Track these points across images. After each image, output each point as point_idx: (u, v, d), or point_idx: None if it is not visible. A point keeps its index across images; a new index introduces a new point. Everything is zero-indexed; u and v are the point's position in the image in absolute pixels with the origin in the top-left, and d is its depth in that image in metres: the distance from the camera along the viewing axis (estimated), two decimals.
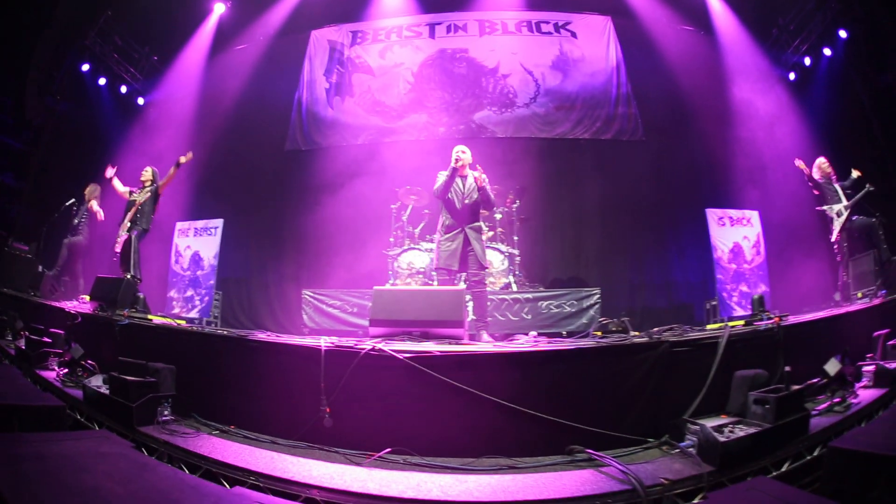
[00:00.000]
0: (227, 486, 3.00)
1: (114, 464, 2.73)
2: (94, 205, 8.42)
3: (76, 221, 8.49)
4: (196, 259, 9.54)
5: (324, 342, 3.75)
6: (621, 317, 5.74)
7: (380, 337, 4.16)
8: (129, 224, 7.07)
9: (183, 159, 7.25)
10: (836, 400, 3.62)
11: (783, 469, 2.91)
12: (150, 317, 5.95)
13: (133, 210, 7.13)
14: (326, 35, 11.11)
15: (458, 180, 5.58)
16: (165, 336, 4.98)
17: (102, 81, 11.24)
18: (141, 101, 12.01)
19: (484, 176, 5.53)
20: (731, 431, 3.01)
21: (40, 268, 8.69)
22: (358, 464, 3.21)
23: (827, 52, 8.96)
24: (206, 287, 9.32)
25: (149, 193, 7.29)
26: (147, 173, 7.48)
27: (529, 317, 7.44)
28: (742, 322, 4.63)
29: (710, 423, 3.10)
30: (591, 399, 3.54)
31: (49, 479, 2.28)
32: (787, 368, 3.49)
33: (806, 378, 3.74)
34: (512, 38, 10.30)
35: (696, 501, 2.57)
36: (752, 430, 3.01)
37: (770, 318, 4.24)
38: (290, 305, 9.39)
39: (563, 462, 3.19)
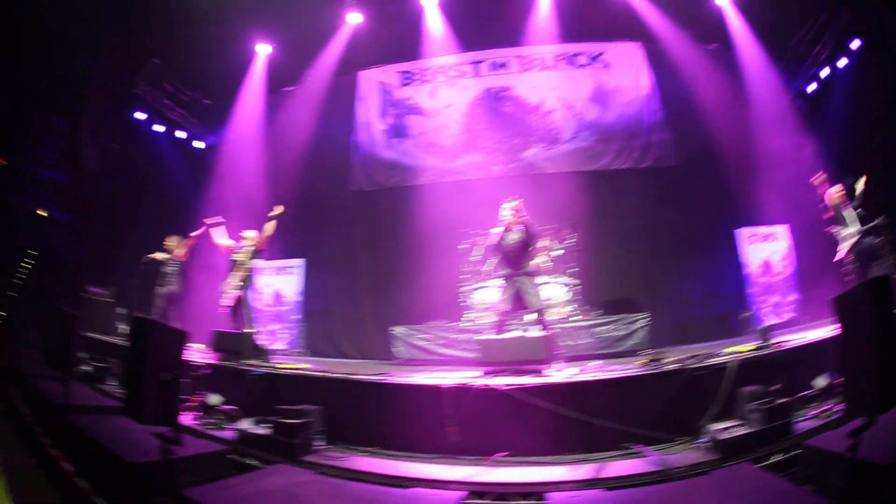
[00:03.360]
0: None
1: (311, 488, 4.29)
2: (181, 252, 10.10)
3: (167, 270, 10.10)
4: (278, 296, 11.55)
5: (444, 381, 5.84)
6: (657, 354, 7.44)
7: (485, 374, 6.25)
8: (241, 283, 8.87)
9: (275, 212, 8.95)
10: (824, 409, 5.35)
11: (770, 461, 4.74)
12: (280, 366, 7.76)
13: (243, 272, 8.91)
14: (374, 76, 12.79)
15: (507, 235, 7.47)
16: (304, 381, 6.94)
17: (160, 128, 13.13)
18: (199, 144, 13.94)
19: (518, 210, 7.46)
20: (732, 432, 4.95)
21: (120, 310, 10.61)
22: (479, 465, 5.17)
23: (842, 62, 10.42)
24: (290, 321, 11.32)
25: (253, 254, 9.02)
26: (251, 234, 9.12)
27: (590, 341, 9.32)
28: (751, 347, 6.41)
29: (719, 426, 5.07)
30: (636, 410, 5.50)
31: None
32: (779, 385, 5.34)
33: (803, 390, 5.63)
34: (551, 73, 12.03)
35: (702, 477, 4.50)
36: (746, 431, 4.93)
37: (768, 346, 6.18)
38: (369, 334, 11.38)
39: (619, 454, 5.20)
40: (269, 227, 9.00)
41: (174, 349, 4.16)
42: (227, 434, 6.19)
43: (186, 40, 11.78)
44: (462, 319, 10.22)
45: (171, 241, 10.25)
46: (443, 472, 5.09)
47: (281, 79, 12.95)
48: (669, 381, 5.66)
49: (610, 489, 4.43)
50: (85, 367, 8.64)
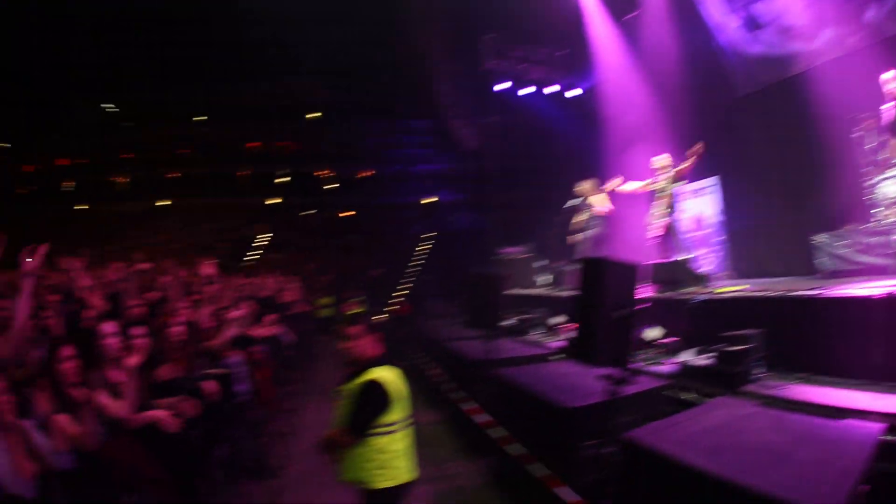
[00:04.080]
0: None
1: (754, 422, 4.00)
2: (599, 199, 10.43)
3: (586, 216, 10.57)
4: (698, 220, 11.30)
5: (874, 291, 5.06)
6: None
7: None
8: (667, 210, 8.79)
9: (695, 149, 8.56)
10: None
11: None
12: (718, 290, 7.42)
13: (665, 200, 8.81)
14: None
15: None
16: (745, 304, 6.51)
17: (528, 90, 13.92)
18: (573, 93, 14.41)
19: None
20: None
21: (537, 264, 11.48)
22: None
23: None
24: (713, 243, 11.00)
25: (671, 179, 8.84)
26: (663, 160, 8.96)
27: None
28: None
29: None
30: None
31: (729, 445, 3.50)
32: None
33: None
34: None
35: None
36: None
37: None
38: (788, 247, 10.13)
39: None
40: (689, 161, 8.77)
41: (627, 285, 4.15)
42: (664, 368, 6.25)
43: (510, 6, 12.37)
44: (872, 220, 8.56)
45: (585, 186, 10.71)
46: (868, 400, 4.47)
47: (617, 6, 12.82)
48: None
49: None
50: (508, 322, 9.77)
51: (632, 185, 9.31)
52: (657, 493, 3.48)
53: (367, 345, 3.80)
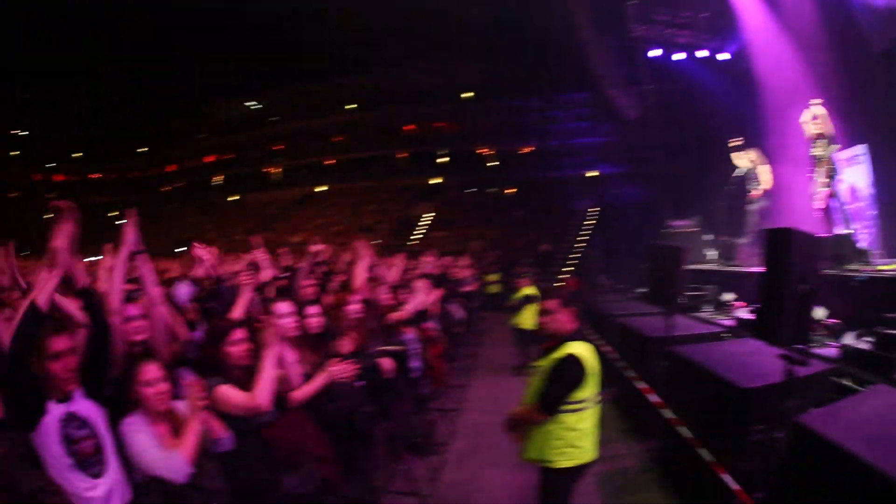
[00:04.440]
0: None
1: None
2: (763, 169, 9.84)
3: (749, 187, 10.01)
4: (852, 190, 10.17)
5: None
6: None
7: None
8: (828, 180, 8.14)
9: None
10: None
11: None
12: (884, 268, 6.76)
13: (826, 167, 8.13)
14: None
15: None
16: None
17: (680, 56, 13.23)
18: (723, 56, 13.53)
19: None
20: None
21: (710, 238, 10.80)
22: None
23: None
24: (867, 217, 9.72)
25: (827, 146, 8.17)
26: (817, 111, 8.26)
27: None
28: None
29: None
30: None
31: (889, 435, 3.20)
32: None
33: None
34: None
35: None
36: None
37: None
38: None
39: None
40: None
41: (810, 259, 3.92)
42: (827, 351, 5.74)
43: None
44: None
45: (749, 155, 10.16)
46: None
47: None
48: None
49: None
50: (640, 290, 9.29)
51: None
52: (820, 483, 3.18)
53: (564, 319, 3.74)
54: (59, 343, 2.64)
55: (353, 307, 5.14)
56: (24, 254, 8.29)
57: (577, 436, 3.62)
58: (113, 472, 2.68)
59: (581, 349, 3.63)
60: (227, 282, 5.14)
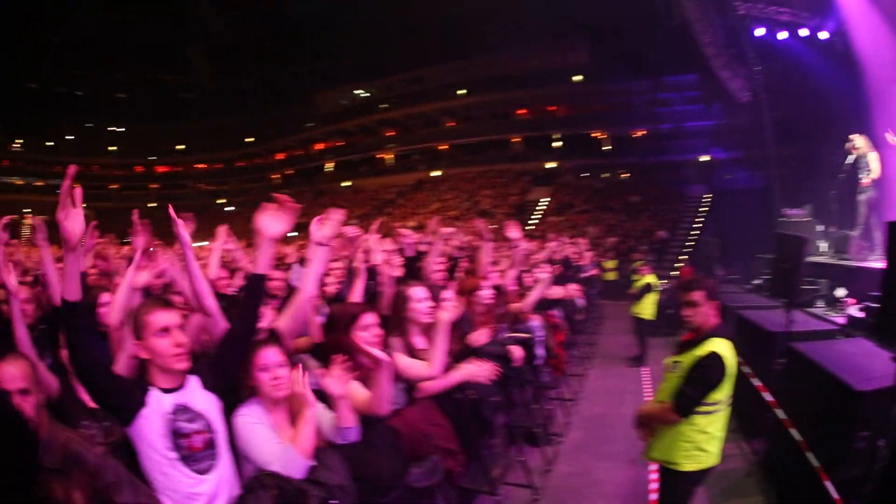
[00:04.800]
0: None
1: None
2: (874, 157, 9.34)
3: (860, 176, 9.50)
4: None
5: None
6: None
7: None
8: None
9: None
10: None
11: None
12: None
13: None
14: None
15: None
16: None
17: (783, 35, 12.64)
18: (822, 35, 12.92)
19: None
20: None
21: (822, 229, 10.32)
22: None
23: None
24: None
25: None
26: None
27: None
28: None
29: None
30: None
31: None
32: None
33: None
34: None
35: None
36: None
37: None
38: None
39: None
40: None
41: None
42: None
43: None
44: None
45: (858, 141, 9.74)
46: None
47: None
48: None
49: None
50: (756, 281, 8.99)
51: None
52: None
53: (709, 312, 3.59)
54: (165, 317, 2.46)
55: (485, 293, 5.02)
56: (124, 242, 9.29)
57: (706, 439, 3.51)
58: (222, 468, 2.52)
59: (723, 347, 3.48)
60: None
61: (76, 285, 2.27)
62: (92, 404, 2.72)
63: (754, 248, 11.66)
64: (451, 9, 35.90)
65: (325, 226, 3.48)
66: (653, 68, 31.68)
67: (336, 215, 3.55)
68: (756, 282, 11.28)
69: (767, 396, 6.12)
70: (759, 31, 13.42)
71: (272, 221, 2.81)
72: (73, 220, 2.18)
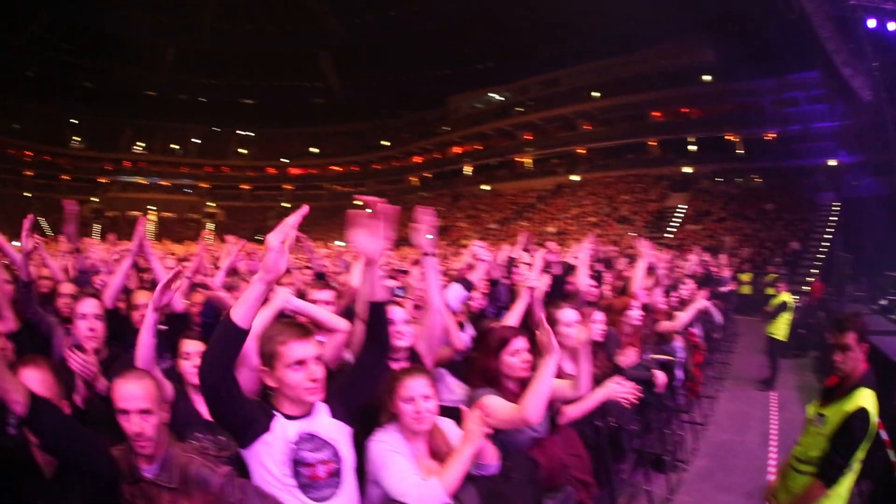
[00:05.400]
0: None
1: None
2: None
3: None
4: None
5: None
6: None
7: None
8: None
9: None
10: None
11: None
12: None
13: None
14: None
15: None
16: None
17: (893, 25, 12.31)
18: None
19: None
20: None
21: None
22: None
23: None
24: None
25: None
26: None
27: None
28: None
29: None
30: None
31: None
32: None
33: None
34: None
35: None
36: None
37: None
38: None
39: None
40: None
41: None
42: None
43: None
44: None
45: None
46: None
47: None
48: None
49: None
50: (882, 301, 8.66)
51: None
52: None
53: (858, 358, 3.26)
54: (302, 350, 2.30)
55: (634, 313, 4.79)
56: (256, 238, 9.83)
57: (833, 500, 3.29)
58: (345, 496, 2.38)
59: (871, 402, 3.18)
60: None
61: (251, 313, 2.15)
62: (208, 417, 2.58)
63: (884, 262, 11.17)
64: (572, 10, 35.94)
65: (422, 232, 3.31)
66: (776, 65, 30.46)
67: (426, 216, 3.33)
68: (882, 302, 10.84)
69: (883, 434, 5.59)
70: (871, 23, 12.99)
71: (366, 238, 2.48)
72: (280, 256, 2.07)
